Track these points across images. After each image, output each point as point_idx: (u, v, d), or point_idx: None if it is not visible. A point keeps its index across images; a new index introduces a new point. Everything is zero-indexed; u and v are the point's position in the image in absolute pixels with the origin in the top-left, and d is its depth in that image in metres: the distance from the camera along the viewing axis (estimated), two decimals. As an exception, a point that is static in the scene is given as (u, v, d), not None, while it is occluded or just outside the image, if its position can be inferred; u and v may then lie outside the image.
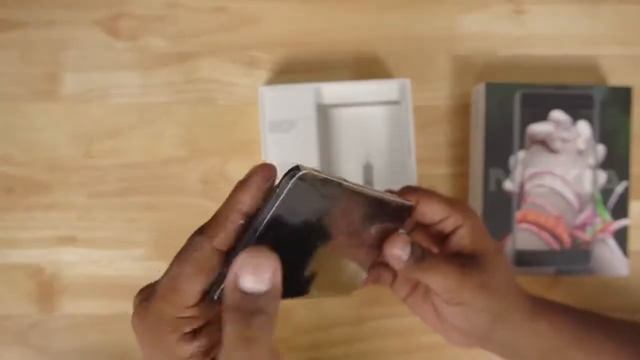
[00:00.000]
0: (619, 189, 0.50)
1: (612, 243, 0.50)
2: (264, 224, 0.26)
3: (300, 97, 0.47)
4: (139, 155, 0.51)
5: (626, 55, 0.53)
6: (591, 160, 0.50)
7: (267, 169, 0.27)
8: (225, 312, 0.23)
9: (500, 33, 0.53)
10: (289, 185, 0.25)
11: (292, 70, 0.51)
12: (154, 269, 0.50)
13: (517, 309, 0.36)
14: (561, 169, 0.49)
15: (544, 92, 0.49)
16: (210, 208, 0.52)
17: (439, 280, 0.34)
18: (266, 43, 0.51)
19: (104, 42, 0.50)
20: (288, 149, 0.46)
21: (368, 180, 0.50)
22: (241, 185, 0.27)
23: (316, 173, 0.26)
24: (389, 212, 0.33)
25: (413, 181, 0.47)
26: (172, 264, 0.28)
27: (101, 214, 0.50)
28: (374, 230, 0.32)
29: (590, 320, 0.40)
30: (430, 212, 0.35)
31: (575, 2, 0.53)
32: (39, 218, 0.50)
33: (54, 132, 0.50)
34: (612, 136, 0.50)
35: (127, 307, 0.50)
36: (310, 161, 0.46)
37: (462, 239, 0.35)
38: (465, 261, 0.34)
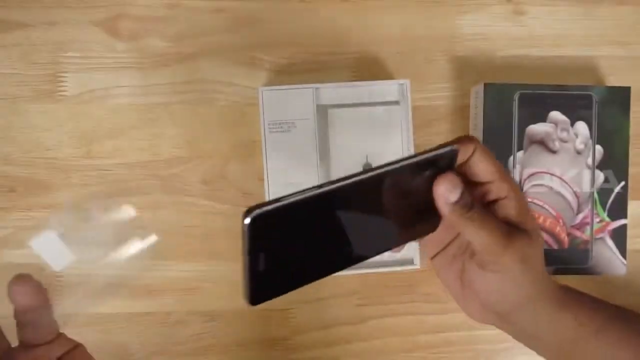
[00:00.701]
0: (617, 189, 0.51)
1: (610, 243, 0.51)
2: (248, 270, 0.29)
3: (300, 97, 0.47)
4: (139, 155, 0.51)
5: (624, 55, 0.53)
6: (589, 161, 0.50)
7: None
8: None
9: (499, 33, 0.53)
10: (246, 232, 0.28)
11: (292, 71, 0.51)
12: (155, 269, 0.51)
13: (546, 295, 0.35)
14: (560, 169, 0.50)
15: (543, 93, 0.49)
16: (211, 208, 0.52)
17: (484, 237, 0.32)
18: (266, 43, 0.51)
19: (105, 42, 0.50)
20: (288, 149, 0.47)
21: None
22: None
23: (268, 207, 0.27)
24: (425, 170, 0.31)
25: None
26: None
27: (101, 214, 0.50)
28: (414, 189, 0.31)
29: (615, 314, 0.38)
30: (483, 167, 0.33)
31: (574, 3, 0.53)
32: (39, 218, 0.50)
33: (54, 132, 0.50)
34: (611, 136, 0.50)
35: (128, 306, 0.51)
36: (310, 161, 0.46)
37: (509, 209, 0.33)
38: (512, 228, 0.33)
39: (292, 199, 0.27)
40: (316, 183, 0.43)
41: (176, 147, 0.51)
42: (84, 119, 0.50)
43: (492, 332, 0.52)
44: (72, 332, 0.50)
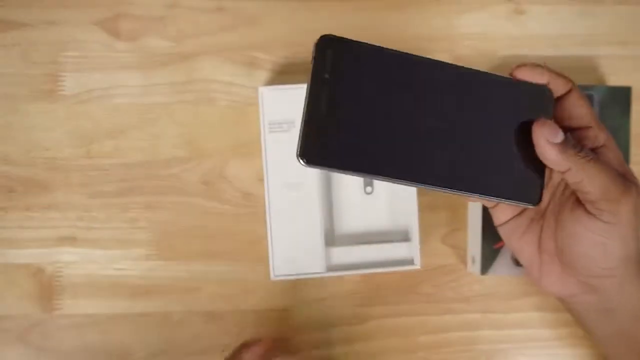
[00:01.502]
0: (618, 188, 0.50)
1: (611, 243, 0.50)
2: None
3: (300, 97, 0.47)
4: (139, 156, 0.51)
5: (625, 55, 0.53)
6: (590, 160, 0.50)
7: None
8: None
9: (500, 33, 0.53)
10: (314, 54, 0.25)
11: (292, 71, 0.51)
12: (154, 269, 0.51)
13: (636, 262, 0.32)
14: (560, 168, 0.50)
15: (543, 92, 0.49)
16: (211, 208, 0.52)
17: (605, 180, 0.29)
18: (266, 43, 0.51)
19: (105, 42, 0.50)
20: (288, 149, 0.46)
21: (367, 181, 0.50)
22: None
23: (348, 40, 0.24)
24: (516, 104, 0.28)
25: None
26: None
27: (101, 214, 0.50)
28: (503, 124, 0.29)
29: None
30: (580, 110, 0.30)
31: (574, 3, 0.53)
32: (39, 218, 0.50)
33: (54, 132, 0.50)
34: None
35: (128, 306, 0.51)
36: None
37: (610, 159, 0.31)
38: (623, 177, 0.30)
39: (370, 46, 0.25)
40: (317, 183, 0.43)
41: (176, 147, 0.51)
42: (84, 118, 0.50)
43: (492, 332, 0.52)
44: (72, 332, 0.50)
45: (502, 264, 0.50)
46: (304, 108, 0.25)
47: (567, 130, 0.31)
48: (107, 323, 0.50)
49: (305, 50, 0.52)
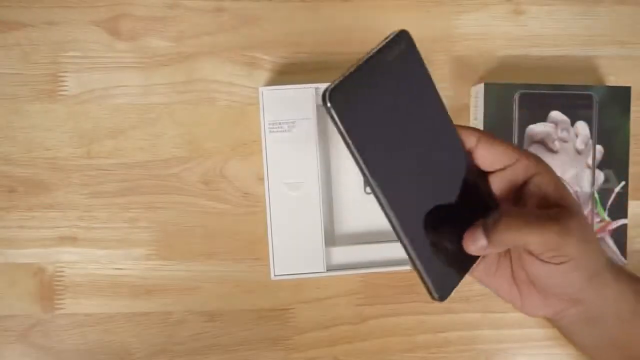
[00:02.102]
0: (618, 188, 0.51)
1: (610, 242, 0.51)
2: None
3: (300, 97, 0.47)
4: (139, 155, 0.51)
5: (624, 55, 0.53)
6: (590, 160, 0.50)
7: None
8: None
9: (499, 33, 0.53)
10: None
11: (292, 71, 0.51)
12: (154, 269, 0.51)
13: (606, 268, 0.33)
14: (560, 169, 0.50)
15: (543, 93, 0.50)
16: (210, 208, 0.52)
17: (536, 240, 0.30)
18: (266, 43, 0.51)
19: (105, 42, 0.50)
20: (288, 149, 0.47)
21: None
22: None
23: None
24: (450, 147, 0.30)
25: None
26: None
27: (102, 213, 0.50)
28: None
29: None
30: (491, 154, 0.31)
31: (574, 3, 0.53)
32: (39, 218, 0.50)
33: (54, 132, 0.50)
34: (611, 136, 0.50)
35: (128, 306, 0.51)
36: (310, 161, 0.46)
37: (544, 186, 0.31)
38: (558, 213, 0.30)
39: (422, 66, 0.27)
40: (317, 183, 0.43)
41: (176, 147, 0.51)
42: (84, 118, 0.50)
43: (492, 332, 0.52)
44: (73, 332, 0.50)
45: (501, 263, 0.50)
46: (356, 64, 0.27)
47: (499, 172, 0.32)
48: (108, 323, 0.50)
49: (305, 50, 0.52)
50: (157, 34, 0.51)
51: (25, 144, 0.50)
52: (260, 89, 0.47)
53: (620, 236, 0.51)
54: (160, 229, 0.51)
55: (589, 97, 0.50)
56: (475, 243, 0.30)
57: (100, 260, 0.51)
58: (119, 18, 0.50)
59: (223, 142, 0.51)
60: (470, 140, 0.31)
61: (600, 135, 0.50)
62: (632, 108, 0.51)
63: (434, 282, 0.30)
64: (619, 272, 0.35)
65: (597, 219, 0.50)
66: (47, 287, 0.50)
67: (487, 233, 0.30)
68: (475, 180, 0.31)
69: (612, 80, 0.53)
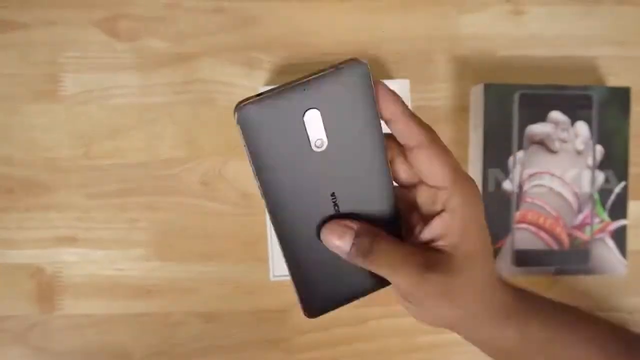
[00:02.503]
0: (617, 189, 0.50)
1: (610, 243, 0.51)
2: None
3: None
4: (138, 156, 0.51)
5: (624, 55, 0.53)
6: (590, 161, 0.50)
7: None
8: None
9: (499, 34, 0.53)
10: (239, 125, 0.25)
11: (292, 71, 0.51)
12: (154, 269, 0.51)
13: (484, 314, 0.33)
14: (560, 169, 0.50)
15: (543, 93, 0.49)
16: (210, 209, 0.52)
17: (394, 280, 0.29)
18: (266, 43, 0.51)
19: (104, 42, 0.50)
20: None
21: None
22: None
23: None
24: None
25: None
26: None
27: (101, 214, 0.50)
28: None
29: (564, 323, 0.37)
30: (429, 171, 0.29)
31: (573, 3, 0.53)
32: (38, 218, 0.50)
33: (53, 133, 0.50)
34: (611, 136, 0.50)
35: (127, 307, 0.51)
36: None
37: (447, 226, 0.29)
38: (429, 260, 0.29)
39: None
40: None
41: (175, 148, 0.51)
42: (83, 119, 0.50)
43: (492, 333, 0.52)
44: (72, 332, 0.50)
45: (501, 263, 0.50)
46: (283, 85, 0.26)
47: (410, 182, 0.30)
48: (107, 323, 0.50)
49: (305, 50, 0.52)
50: (156, 34, 0.50)
51: (24, 145, 0.50)
52: (261, 89, 0.46)
53: (620, 237, 0.51)
54: (160, 229, 0.51)
55: (589, 97, 0.50)
56: (340, 238, 0.28)
57: (99, 260, 0.50)
58: (118, 18, 0.50)
59: (222, 142, 0.51)
60: (412, 139, 0.29)
61: (600, 135, 0.50)
62: (632, 108, 0.51)
63: (305, 299, 0.30)
64: (516, 313, 0.34)
65: (597, 220, 0.50)
66: (46, 288, 0.50)
67: (354, 245, 0.28)
68: (389, 210, 0.30)
69: (612, 81, 0.53)
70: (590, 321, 0.39)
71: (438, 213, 0.29)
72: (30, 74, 0.50)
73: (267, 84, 0.51)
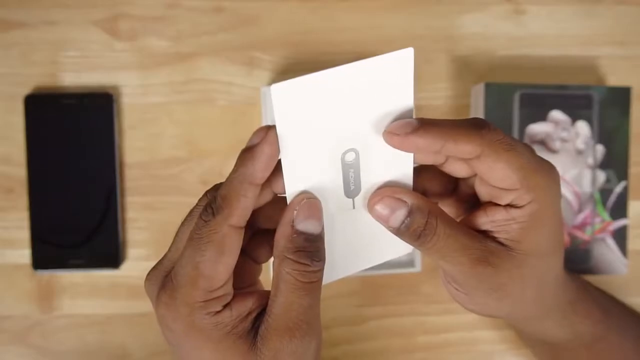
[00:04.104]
0: (618, 189, 0.50)
1: (611, 243, 0.51)
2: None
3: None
4: (138, 156, 0.50)
5: (625, 55, 0.53)
6: (590, 160, 0.50)
7: (267, 132, 0.25)
8: (281, 262, 0.25)
9: (500, 33, 0.53)
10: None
11: (292, 70, 0.51)
12: (154, 269, 0.50)
13: (537, 314, 0.31)
14: (560, 169, 0.49)
15: (543, 92, 0.49)
16: (210, 208, 0.51)
17: (443, 266, 0.27)
18: (266, 43, 0.51)
19: (104, 42, 0.50)
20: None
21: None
22: (249, 155, 0.25)
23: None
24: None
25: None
26: (188, 248, 0.26)
27: (101, 214, 0.50)
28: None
29: (615, 321, 0.37)
30: (496, 177, 0.26)
31: (574, 3, 0.53)
32: (38, 218, 0.50)
33: (53, 132, 0.50)
34: (611, 136, 0.50)
35: (127, 307, 0.50)
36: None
37: (512, 223, 0.26)
38: (486, 252, 0.26)
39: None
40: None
41: (175, 147, 0.51)
42: (83, 118, 0.50)
43: (492, 333, 0.52)
44: (71, 332, 0.50)
45: (502, 264, 0.50)
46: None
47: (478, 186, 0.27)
48: (106, 323, 0.50)
49: (305, 50, 0.52)
50: (156, 33, 0.50)
51: (24, 144, 0.50)
52: (263, 88, 0.47)
53: (621, 236, 0.51)
54: (159, 229, 0.50)
55: (589, 97, 0.50)
56: (390, 208, 0.26)
57: (99, 260, 0.50)
58: (118, 18, 0.50)
59: (222, 142, 0.51)
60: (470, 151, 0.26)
61: (601, 135, 0.50)
62: (633, 108, 0.51)
63: None
64: (570, 313, 0.33)
65: (597, 219, 0.50)
66: (45, 288, 0.50)
67: (405, 222, 0.26)
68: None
69: (613, 81, 0.53)
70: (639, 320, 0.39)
71: (503, 206, 0.27)
72: (30, 73, 0.50)
73: (267, 84, 0.51)
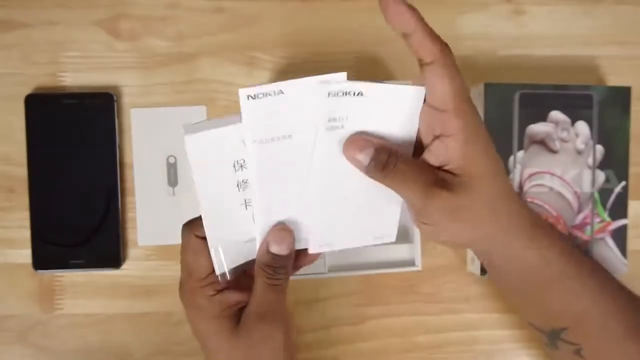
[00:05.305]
0: (618, 189, 0.50)
1: (610, 243, 0.51)
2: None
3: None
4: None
5: (625, 55, 0.53)
6: (590, 160, 0.50)
7: None
8: (257, 269, 0.34)
9: (500, 33, 0.53)
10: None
11: (292, 70, 0.51)
12: (154, 269, 0.51)
13: (500, 234, 0.34)
14: (560, 169, 0.50)
15: (543, 92, 0.49)
16: (211, 208, 0.51)
17: (404, 195, 0.32)
18: (266, 43, 0.51)
19: (105, 42, 0.50)
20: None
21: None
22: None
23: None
24: None
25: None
26: (180, 256, 0.36)
27: (101, 213, 0.50)
28: None
29: (584, 264, 0.37)
30: (432, 90, 0.30)
31: (574, 3, 0.53)
32: (39, 218, 0.50)
33: (54, 132, 0.50)
34: (611, 136, 0.50)
35: (128, 306, 0.51)
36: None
37: (449, 150, 0.31)
38: (439, 178, 0.31)
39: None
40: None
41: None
42: (84, 119, 0.50)
43: (492, 332, 0.52)
44: (72, 332, 0.50)
45: (502, 264, 0.50)
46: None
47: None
48: (107, 323, 0.50)
49: (305, 50, 0.52)
50: (157, 33, 0.51)
51: (24, 144, 0.50)
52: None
53: (620, 236, 0.51)
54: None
55: (589, 97, 0.50)
56: (361, 151, 0.31)
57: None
58: (119, 18, 0.50)
59: (223, 142, 0.51)
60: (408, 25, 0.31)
61: (601, 135, 0.50)
62: (633, 108, 0.51)
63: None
64: (540, 235, 0.35)
65: (597, 219, 0.50)
66: (47, 288, 0.50)
67: (373, 159, 0.31)
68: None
69: (613, 80, 0.53)
70: (609, 275, 0.39)
71: (439, 138, 0.31)
72: (31, 74, 0.50)
73: (267, 84, 0.51)
